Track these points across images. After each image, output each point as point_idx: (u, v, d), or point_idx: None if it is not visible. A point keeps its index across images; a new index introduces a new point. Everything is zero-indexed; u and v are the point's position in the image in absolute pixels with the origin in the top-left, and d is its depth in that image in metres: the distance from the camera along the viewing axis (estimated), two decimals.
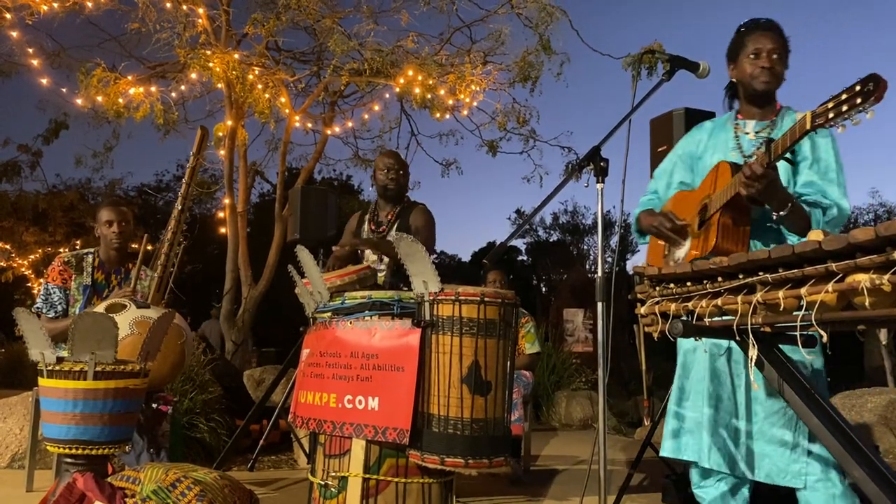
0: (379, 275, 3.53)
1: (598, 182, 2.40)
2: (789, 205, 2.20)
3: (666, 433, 2.57)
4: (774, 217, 2.27)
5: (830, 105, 1.81)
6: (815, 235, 1.56)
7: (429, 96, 8.24)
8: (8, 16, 7.25)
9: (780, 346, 1.95)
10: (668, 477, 4.07)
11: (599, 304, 2.33)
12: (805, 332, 1.66)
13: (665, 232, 2.50)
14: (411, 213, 3.83)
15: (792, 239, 2.28)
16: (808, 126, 1.89)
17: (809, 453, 2.29)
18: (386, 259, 3.65)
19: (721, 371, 2.45)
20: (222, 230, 8.92)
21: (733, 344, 2.34)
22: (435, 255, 3.75)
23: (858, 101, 1.73)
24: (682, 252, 2.42)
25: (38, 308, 3.46)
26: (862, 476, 1.64)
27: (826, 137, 2.38)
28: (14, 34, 7.77)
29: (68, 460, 2.51)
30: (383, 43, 8.26)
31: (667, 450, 2.56)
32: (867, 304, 1.41)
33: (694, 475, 2.55)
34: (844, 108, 1.76)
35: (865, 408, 5.75)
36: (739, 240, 2.29)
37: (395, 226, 3.78)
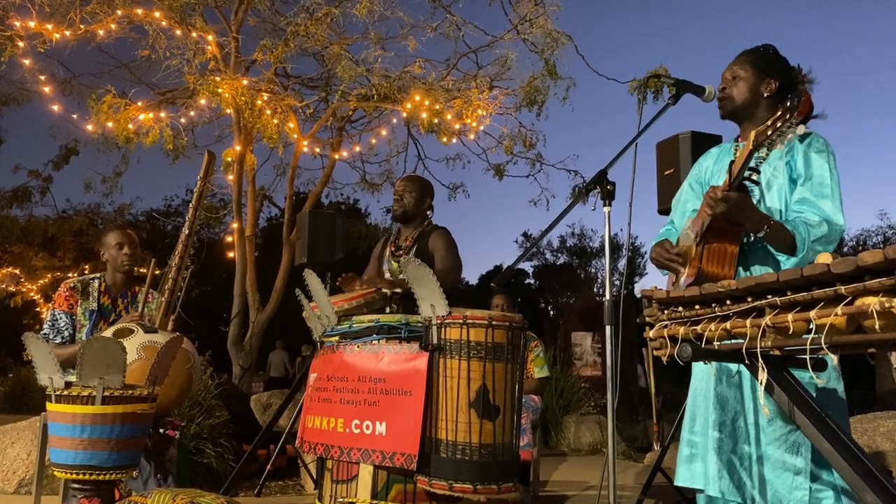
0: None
1: (605, 205, 2.40)
2: (765, 226, 2.20)
3: (679, 460, 2.55)
4: (752, 238, 2.28)
5: (769, 123, 2.11)
6: (824, 258, 1.55)
7: (436, 121, 8.29)
8: (21, 44, 7.35)
9: (793, 370, 1.94)
10: (678, 503, 4.03)
11: (608, 328, 2.33)
12: (815, 356, 1.65)
13: (663, 261, 2.50)
14: (430, 237, 3.67)
15: (781, 259, 2.27)
16: (751, 146, 2.15)
17: (818, 480, 2.26)
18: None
19: (728, 396, 2.42)
20: (230, 254, 8.95)
21: (741, 367, 2.32)
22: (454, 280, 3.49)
23: (787, 115, 2.07)
24: (683, 279, 2.42)
25: (45, 334, 3.46)
26: (876, 502, 1.62)
27: (822, 153, 2.36)
28: (27, 62, 7.87)
29: (75, 486, 2.50)
30: (391, 69, 8.35)
31: (679, 478, 2.53)
32: (877, 327, 1.40)
33: (701, 502, 2.52)
34: (779, 123, 2.09)
35: (878, 432, 5.68)
36: (725, 262, 2.28)
37: (414, 250, 3.63)
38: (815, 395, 2.05)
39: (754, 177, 2.29)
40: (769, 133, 2.13)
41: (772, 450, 2.30)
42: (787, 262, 2.24)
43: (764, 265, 2.38)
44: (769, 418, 2.29)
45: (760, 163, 2.44)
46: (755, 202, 2.39)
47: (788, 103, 2.10)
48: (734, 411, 2.40)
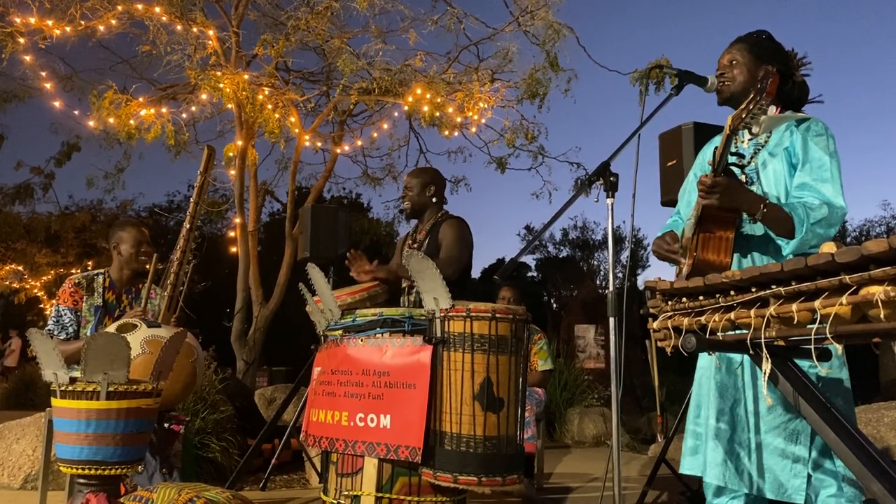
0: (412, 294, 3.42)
1: (608, 197, 2.39)
2: (762, 207, 2.20)
3: (684, 450, 2.56)
4: (751, 221, 2.28)
5: (743, 106, 2.17)
6: (828, 248, 1.54)
7: (437, 114, 8.28)
8: (21, 40, 7.35)
9: (798, 360, 1.93)
10: (683, 494, 4.03)
11: (611, 320, 2.32)
12: (820, 346, 1.64)
13: (664, 254, 2.49)
14: (441, 227, 3.59)
15: (781, 243, 2.27)
16: (727, 131, 2.19)
17: (820, 468, 2.26)
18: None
19: (727, 385, 2.43)
20: (233, 249, 8.96)
21: (745, 357, 2.32)
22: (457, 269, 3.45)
23: (758, 98, 2.14)
24: (684, 270, 2.42)
25: (49, 330, 3.46)
26: (881, 490, 1.62)
27: (820, 136, 2.35)
28: (28, 58, 7.87)
29: (81, 481, 2.50)
30: (391, 62, 8.34)
31: (683, 466, 2.54)
32: (882, 316, 1.40)
33: (707, 491, 2.52)
34: (752, 105, 2.16)
35: (882, 422, 5.67)
36: (721, 249, 2.28)
37: (426, 242, 3.59)
38: (819, 384, 2.05)
39: (736, 160, 2.30)
40: (743, 116, 2.17)
41: (771, 438, 2.31)
42: (786, 247, 2.23)
43: (763, 252, 2.38)
44: (769, 406, 2.29)
45: (759, 149, 2.44)
46: (750, 186, 2.39)
47: (759, 85, 2.17)
48: (733, 399, 2.40)
